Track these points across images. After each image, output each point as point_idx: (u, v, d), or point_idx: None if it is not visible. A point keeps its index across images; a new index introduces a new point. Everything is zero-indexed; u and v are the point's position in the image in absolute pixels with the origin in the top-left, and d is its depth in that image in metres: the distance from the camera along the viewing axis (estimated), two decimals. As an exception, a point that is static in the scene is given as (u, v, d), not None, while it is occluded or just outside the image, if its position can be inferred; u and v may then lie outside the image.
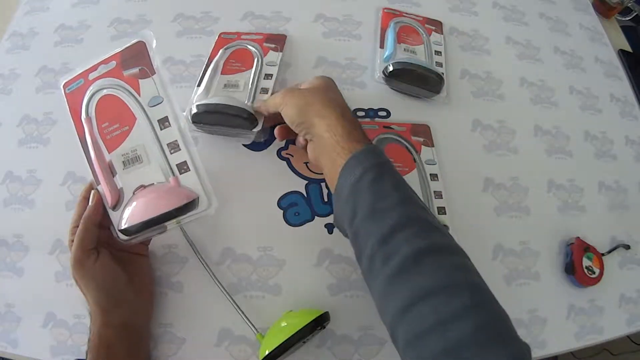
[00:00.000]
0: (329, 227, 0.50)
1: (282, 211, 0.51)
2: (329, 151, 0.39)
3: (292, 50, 0.61)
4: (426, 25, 0.65)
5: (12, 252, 0.48)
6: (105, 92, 0.41)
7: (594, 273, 0.51)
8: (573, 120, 0.63)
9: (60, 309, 0.46)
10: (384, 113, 0.58)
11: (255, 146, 0.54)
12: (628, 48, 0.74)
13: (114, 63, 0.41)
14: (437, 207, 0.51)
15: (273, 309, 0.45)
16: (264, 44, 0.58)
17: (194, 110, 0.49)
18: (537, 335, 0.49)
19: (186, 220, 0.40)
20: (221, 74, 0.54)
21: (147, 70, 0.41)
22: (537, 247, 0.53)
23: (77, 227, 0.40)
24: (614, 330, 0.51)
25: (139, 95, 0.40)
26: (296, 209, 0.51)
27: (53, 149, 0.53)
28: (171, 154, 0.40)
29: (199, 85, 0.53)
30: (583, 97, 0.65)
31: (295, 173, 0.53)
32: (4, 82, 0.59)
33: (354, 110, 0.58)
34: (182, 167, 0.41)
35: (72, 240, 0.39)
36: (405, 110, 0.59)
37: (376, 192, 0.35)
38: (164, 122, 0.40)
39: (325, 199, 0.52)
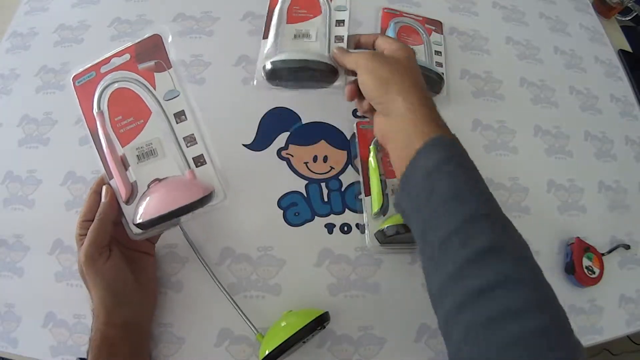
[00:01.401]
0: (329, 227, 0.50)
1: (282, 211, 0.51)
2: (406, 130, 0.38)
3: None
4: (426, 25, 0.64)
5: (12, 252, 0.48)
6: (118, 85, 0.40)
7: (594, 273, 0.51)
8: (573, 120, 0.63)
9: (60, 309, 0.46)
10: (384, 113, 0.58)
11: (255, 146, 0.54)
12: (628, 48, 0.74)
13: (127, 56, 0.40)
14: (437, 207, 0.50)
15: (273, 309, 0.45)
16: None
17: (269, 67, 0.47)
18: (537, 335, 0.49)
19: (203, 212, 0.40)
20: (287, 23, 0.50)
21: (163, 64, 0.40)
22: (537, 247, 0.53)
23: (87, 220, 0.39)
24: (614, 330, 0.51)
25: (154, 89, 0.40)
26: (296, 209, 0.51)
27: (53, 149, 0.53)
28: (187, 147, 0.40)
29: (265, 37, 0.50)
30: (583, 97, 0.65)
31: (295, 173, 0.53)
32: (4, 82, 0.59)
33: (354, 110, 0.58)
34: (199, 160, 0.41)
35: (81, 235, 0.39)
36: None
37: (460, 178, 0.35)
38: (180, 115, 0.40)
39: (325, 199, 0.52)
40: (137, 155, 0.40)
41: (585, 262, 0.51)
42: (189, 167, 0.40)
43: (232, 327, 0.45)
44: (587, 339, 0.50)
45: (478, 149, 0.58)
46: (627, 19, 0.80)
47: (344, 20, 0.50)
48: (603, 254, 0.52)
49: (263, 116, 0.56)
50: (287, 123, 0.55)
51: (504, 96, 0.62)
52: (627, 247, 0.55)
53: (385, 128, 0.41)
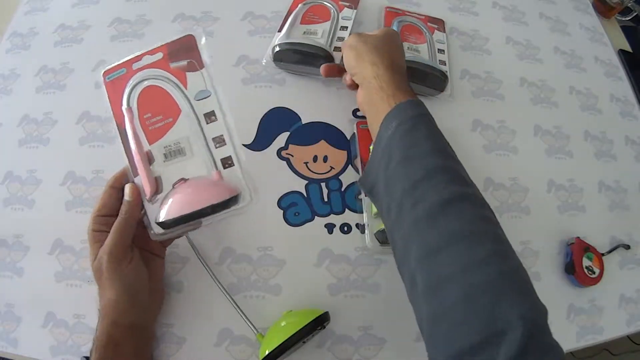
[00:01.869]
0: (329, 227, 0.50)
1: (282, 211, 0.51)
2: (375, 99, 0.41)
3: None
4: (429, 24, 0.65)
5: (12, 252, 0.48)
6: (149, 82, 0.39)
7: (594, 273, 0.51)
8: (573, 120, 0.63)
9: (60, 309, 0.46)
10: (384, 113, 0.58)
11: (255, 146, 0.54)
12: (628, 48, 0.74)
13: (160, 54, 0.40)
14: (437, 207, 0.50)
15: (273, 309, 0.45)
16: (340, 2, 0.63)
17: (277, 49, 0.56)
18: (537, 335, 0.48)
19: (227, 215, 0.39)
20: (300, 23, 0.61)
21: (196, 64, 0.40)
22: (537, 247, 0.53)
23: (101, 216, 0.38)
24: (614, 330, 0.51)
25: (186, 88, 0.40)
26: (296, 209, 0.51)
27: (53, 149, 0.53)
28: (216, 148, 0.40)
29: (279, 30, 0.60)
30: (583, 97, 0.65)
31: (295, 173, 0.53)
32: (4, 82, 0.59)
33: (354, 110, 0.58)
34: (227, 162, 0.40)
35: (95, 231, 0.38)
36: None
37: (410, 141, 0.36)
38: (210, 116, 0.40)
39: (325, 199, 0.52)
40: (165, 154, 0.39)
41: (585, 262, 0.51)
42: (216, 168, 0.39)
43: (232, 327, 0.45)
44: (587, 339, 0.50)
45: (478, 149, 0.58)
46: (627, 19, 0.80)
47: (347, 26, 0.61)
48: (603, 254, 0.52)
49: (263, 116, 0.56)
50: (287, 123, 0.55)
51: (504, 96, 0.62)
52: (627, 247, 0.55)
53: (361, 100, 0.45)
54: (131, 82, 0.39)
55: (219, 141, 0.40)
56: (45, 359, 0.44)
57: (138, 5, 0.65)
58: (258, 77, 0.58)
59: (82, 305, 0.45)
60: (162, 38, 0.61)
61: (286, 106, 0.57)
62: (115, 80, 0.40)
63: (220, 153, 0.40)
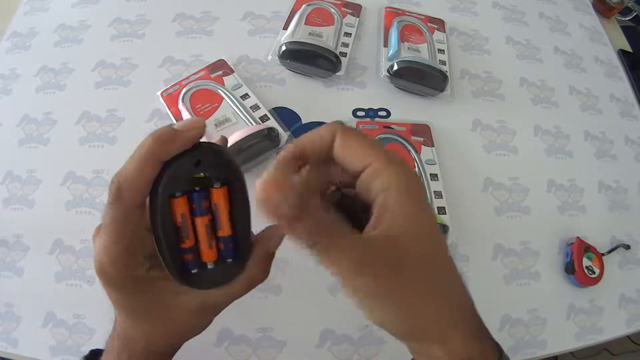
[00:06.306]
0: (329, 227, 0.50)
1: (282, 211, 0.50)
2: None
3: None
4: (429, 24, 0.65)
5: (12, 252, 0.48)
6: (197, 88, 0.56)
7: (594, 273, 0.51)
8: (573, 120, 0.63)
9: (60, 309, 0.45)
10: (384, 113, 0.58)
11: (255, 146, 0.54)
12: (628, 48, 0.74)
13: (202, 73, 0.57)
14: (437, 207, 0.50)
15: (273, 308, 0.45)
16: (342, 8, 0.65)
17: (284, 48, 0.57)
18: (537, 335, 0.49)
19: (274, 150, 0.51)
20: (305, 24, 0.62)
21: (228, 71, 0.58)
22: (537, 247, 0.53)
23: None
24: (614, 330, 0.51)
25: (224, 85, 0.57)
26: (296, 209, 0.51)
27: (53, 149, 0.53)
28: (254, 112, 0.55)
29: (285, 28, 0.61)
30: (583, 97, 0.65)
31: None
32: (4, 82, 0.59)
33: (354, 110, 0.58)
34: (264, 119, 0.55)
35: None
36: (405, 110, 0.59)
37: None
38: (244, 97, 0.56)
39: (325, 199, 0.51)
40: (215, 124, 0.53)
41: (586, 262, 0.51)
42: (255, 122, 0.53)
43: (232, 327, 0.45)
44: (587, 339, 0.50)
45: (478, 149, 0.58)
46: (627, 19, 0.80)
47: (351, 33, 0.63)
48: (603, 254, 0.52)
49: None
50: (287, 123, 0.55)
51: (504, 96, 0.62)
52: (627, 247, 0.55)
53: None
54: (184, 90, 0.55)
55: (255, 108, 0.55)
56: (45, 359, 0.44)
57: (138, 5, 0.65)
58: (258, 77, 0.58)
59: (82, 305, 0.45)
60: (162, 38, 0.61)
61: (286, 106, 0.57)
62: (171, 94, 0.56)
63: (257, 114, 0.55)
